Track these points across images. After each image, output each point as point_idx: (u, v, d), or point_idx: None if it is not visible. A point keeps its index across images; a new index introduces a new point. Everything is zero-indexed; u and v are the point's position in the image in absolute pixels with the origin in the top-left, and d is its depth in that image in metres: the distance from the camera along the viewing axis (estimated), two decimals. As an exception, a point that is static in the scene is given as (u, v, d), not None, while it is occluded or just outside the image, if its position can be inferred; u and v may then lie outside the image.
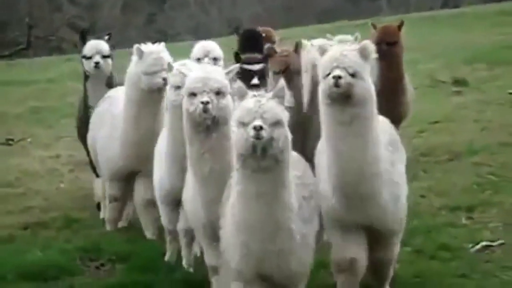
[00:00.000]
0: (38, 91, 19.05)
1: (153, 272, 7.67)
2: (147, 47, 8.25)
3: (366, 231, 6.43)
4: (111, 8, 41.19)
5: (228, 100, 6.15)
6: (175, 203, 7.28)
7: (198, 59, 9.13)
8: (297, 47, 8.31)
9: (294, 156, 5.82)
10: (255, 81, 7.52)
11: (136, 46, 8.25)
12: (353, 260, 6.44)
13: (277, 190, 5.49)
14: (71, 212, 9.94)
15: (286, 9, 41.94)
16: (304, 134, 7.63)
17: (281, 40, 10.82)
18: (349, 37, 9.26)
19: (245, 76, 7.55)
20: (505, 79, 15.77)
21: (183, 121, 6.30)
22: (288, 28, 25.55)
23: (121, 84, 9.38)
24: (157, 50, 8.21)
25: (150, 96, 8.18)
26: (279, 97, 5.55)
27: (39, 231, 9.37)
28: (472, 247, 7.93)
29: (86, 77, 9.61)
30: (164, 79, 7.64)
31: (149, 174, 7.91)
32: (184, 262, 7.76)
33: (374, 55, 6.22)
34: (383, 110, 6.43)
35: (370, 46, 6.22)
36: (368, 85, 6.09)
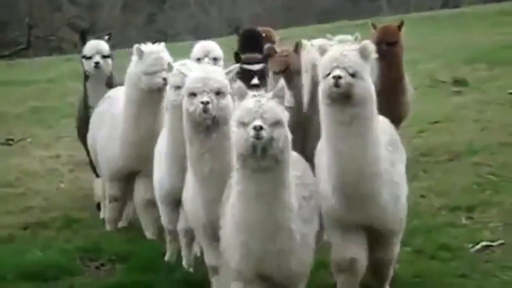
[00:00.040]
0: (38, 91, 19.05)
1: (153, 272, 7.67)
2: (147, 47, 8.25)
3: (366, 231, 6.43)
4: (111, 8, 41.19)
5: (228, 100, 6.14)
6: (175, 203, 7.28)
7: (198, 59, 9.13)
8: (297, 47, 8.31)
9: (294, 156, 5.82)
10: (255, 81, 7.52)
11: (136, 46, 8.25)
12: (353, 260, 6.44)
13: (277, 190, 5.48)
14: (71, 212, 9.94)
15: (286, 9, 41.95)
16: (304, 134, 7.63)
17: (281, 40, 10.82)
18: (349, 37, 9.26)
19: (245, 76, 7.54)
20: (505, 79, 15.77)
21: (183, 121, 6.30)
22: (288, 28, 25.55)
23: (121, 84, 9.38)
24: (157, 50, 8.20)
25: (150, 96, 8.17)
26: (279, 97, 5.55)
27: (39, 231, 9.37)
28: (472, 247, 7.93)
29: (86, 77, 9.61)
30: (164, 79, 7.64)
31: (149, 174, 7.90)
32: (184, 262, 7.76)
33: (374, 55, 6.22)
34: (383, 110, 6.43)
35: (370, 46, 6.22)
36: (368, 85, 6.08)
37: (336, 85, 5.93)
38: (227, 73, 6.39)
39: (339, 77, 5.93)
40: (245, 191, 5.51)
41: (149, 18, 42.95)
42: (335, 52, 6.11)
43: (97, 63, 9.40)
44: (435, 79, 16.40)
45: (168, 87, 7.05)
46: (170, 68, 7.06)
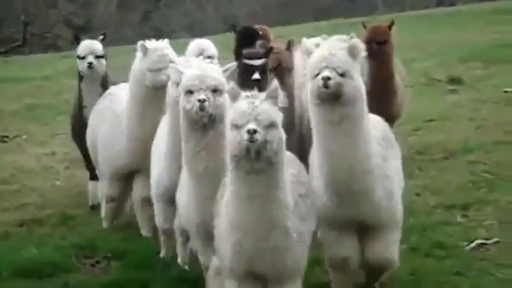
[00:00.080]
0: (34, 88, 19.02)
1: (148, 269, 7.67)
2: (151, 43, 8.19)
3: (362, 229, 6.41)
4: (106, 5, 41.18)
5: (225, 98, 6.08)
6: (172, 200, 7.23)
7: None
8: (289, 45, 8.31)
9: (288, 156, 5.80)
10: (256, 76, 7.51)
11: (140, 42, 8.18)
12: (346, 258, 6.45)
13: (271, 191, 5.46)
14: (67, 209, 9.93)
15: (283, 6, 41.95)
16: (300, 134, 7.63)
17: (275, 38, 10.82)
18: (344, 37, 9.26)
19: (246, 71, 7.55)
20: (500, 78, 15.79)
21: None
22: (284, 25, 25.55)
23: (116, 83, 9.38)
24: (161, 47, 8.15)
25: (155, 93, 8.05)
26: (273, 97, 5.50)
27: (34, 228, 9.36)
28: (467, 245, 7.94)
29: (81, 77, 9.59)
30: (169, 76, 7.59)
31: (148, 172, 7.85)
32: (179, 260, 7.76)
33: (363, 53, 6.21)
34: (374, 110, 6.42)
35: (359, 44, 6.21)
36: (357, 84, 6.06)
37: (325, 86, 5.91)
38: (224, 71, 6.36)
39: (328, 78, 5.90)
40: (238, 192, 5.49)
41: (144, 16, 42.93)
42: (324, 51, 6.08)
43: (90, 64, 9.37)
44: (431, 78, 16.42)
45: (169, 84, 6.99)
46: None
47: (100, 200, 9.66)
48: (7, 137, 14.27)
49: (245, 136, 5.29)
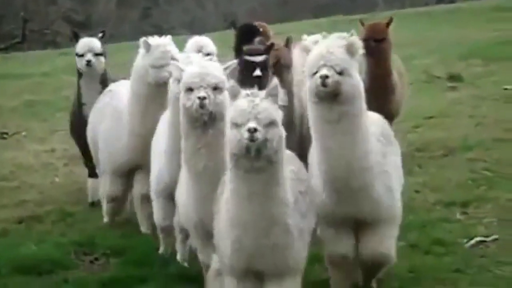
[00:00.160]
0: (33, 84, 19.02)
1: (147, 266, 7.66)
2: (154, 40, 8.16)
3: (358, 224, 6.39)
4: (106, 2, 41.17)
5: (225, 96, 6.03)
6: (172, 196, 7.19)
7: (191, 56, 9.08)
8: (288, 42, 8.30)
9: (288, 153, 5.78)
10: (257, 72, 7.49)
11: (143, 39, 8.15)
12: (345, 255, 6.44)
13: (271, 189, 5.44)
14: (66, 206, 9.93)
15: (282, 3, 41.94)
16: (301, 133, 7.62)
17: (274, 35, 10.80)
18: (345, 34, 9.25)
19: (247, 67, 7.53)
20: (500, 75, 15.78)
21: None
22: (283, 22, 25.54)
23: (115, 80, 9.36)
24: (164, 43, 8.12)
25: (157, 90, 7.98)
26: (273, 96, 5.47)
27: (34, 225, 9.36)
28: (467, 242, 7.94)
29: (80, 74, 9.59)
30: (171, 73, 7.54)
31: (148, 169, 7.80)
32: (178, 257, 7.75)
33: (361, 51, 6.19)
34: (372, 108, 6.41)
35: (357, 42, 6.19)
36: (356, 82, 6.04)
37: (324, 84, 5.90)
38: (225, 69, 6.32)
39: (326, 76, 5.89)
40: (238, 190, 5.47)
41: (144, 12, 42.90)
42: (322, 49, 6.06)
43: (89, 61, 9.37)
44: (430, 75, 16.41)
45: (171, 80, 6.96)
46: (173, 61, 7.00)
47: (99, 197, 9.66)
48: (6, 133, 14.28)
49: (246, 134, 5.26)
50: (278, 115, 5.44)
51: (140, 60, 8.21)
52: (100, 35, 9.72)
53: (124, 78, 9.25)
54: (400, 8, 31.61)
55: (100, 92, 9.35)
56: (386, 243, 6.42)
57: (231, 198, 5.54)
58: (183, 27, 35.78)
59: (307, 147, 6.64)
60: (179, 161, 6.60)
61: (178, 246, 7.73)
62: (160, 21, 40.93)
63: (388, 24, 9.70)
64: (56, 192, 10.67)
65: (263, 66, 7.59)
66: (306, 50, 6.32)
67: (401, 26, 21.59)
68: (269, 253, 5.56)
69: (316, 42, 8.67)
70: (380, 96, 8.98)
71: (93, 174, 9.81)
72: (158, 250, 8.00)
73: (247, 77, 7.40)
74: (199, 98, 5.98)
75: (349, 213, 6.29)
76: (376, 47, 9.38)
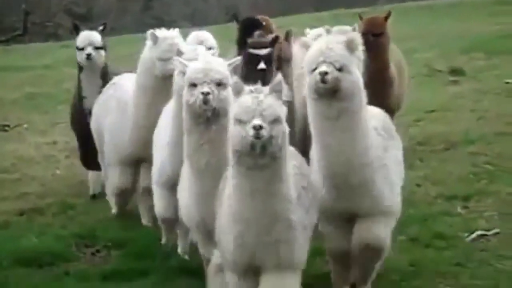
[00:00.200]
0: (34, 77, 19.01)
1: (149, 258, 7.67)
2: (161, 32, 8.12)
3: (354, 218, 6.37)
4: (107, -6, 41.08)
5: (229, 92, 5.98)
6: (174, 188, 7.14)
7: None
8: (288, 36, 8.28)
9: (290, 149, 5.76)
10: (262, 65, 7.47)
11: (150, 31, 8.12)
12: (345, 250, 6.42)
13: (274, 186, 5.41)
14: (67, 198, 9.93)
15: (283, -4, 41.84)
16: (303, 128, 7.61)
17: (276, 28, 10.79)
18: (347, 27, 9.25)
19: (251, 61, 7.50)
20: (502, 69, 15.77)
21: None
22: (285, 16, 25.51)
23: (118, 73, 9.34)
24: (171, 36, 8.08)
25: (164, 83, 7.90)
26: (277, 91, 5.42)
27: (35, 217, 9.37)
28: (468, 236, 7.95)
29: (80, 68, 9.58)
30: None
31: (151, 162, 7.75)
32: (179, 250, 7.76)
33: (361, 47, 6.17)
34: (370, 102, 6.39)
35: (357, 38, 6.17)
36: (355, 78, 6.02)
37: (323, 81, 5.88)
38: (229, 65, 6.24)
39: (326, 73, 5.86)
40: (240, 186, 5.44)
41: (145, 5, 42.80)
42: (321, 45, 6.02)
43: (89, 55, 9.36)
44: (432, 68, 16.39)
45: (176, 72, 6.90)
46: (179, 53, 6.96)
47: (101, 189, 9.68)
48: (8, 126, 14.28)
49: (251, 132, 5.22)
50: (283, 111, 5.40)
51: (147, 52, 8.18)
52: (101, 28, 9.70)
53: (127, 71, 9.26)
54: (401, 1, 31.49)
55: (101, 86, 9.35)
56: (381, 229, 6.33)
57: (233, 194, 5.50)
58: (185, 20, 35.71)
59: (309, 142, 6.61)
60: (182, 153, 6.52)
61: (179, 239, 7.73)
62: (162, 13, 40.86)
63: (386, 18, 9.70)
64: (57, 185, 10.68)
65: (267, 59, 7.55)
66: (306, 46, 6.29)
67: (403, 20, 21.59)
68: (271, 249, 5.52)
69: (318, 36, 8.69)
70: (378, 90, 8.94)
71: (88, 167, 9.86)
72: (159, 243, 7.99)
73: (251, 70, 7.38)
74: (202, 93, 5.91)
75: (348, 209, 6.27)
76: (374, 41, 9.37)
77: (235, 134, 5.33)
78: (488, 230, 8.02)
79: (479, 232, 7.97)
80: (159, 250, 7.86)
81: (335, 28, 9.17)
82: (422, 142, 11.29)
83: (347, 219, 6.36)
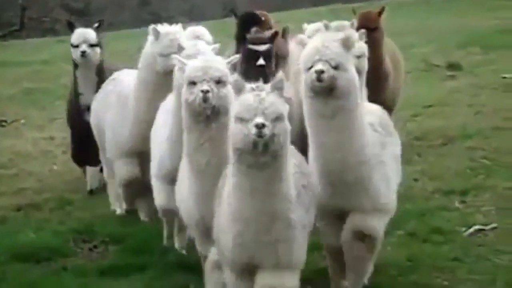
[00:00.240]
0: (32, 72, 19.00)
1: (146, 254, 7.67)
2: (163, 28, 8.07)
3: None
4: (105, -11, 41.01)
5: (228, 90, 5.93)
6: (175, 181, 7.06)
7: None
8: (284, 32, 8.26)
9: (290, 148, 5.73)
10: (261, 61, 7.44)
11: (152, 26, 8.07)
12: (341, 246, 6.41)
13: (274, 186, 5.37)
14: (64, 193, 9.94)
15: (281, -9, 41.78)
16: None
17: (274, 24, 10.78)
18: (346, 22, 9.24)
19: (250, 56, 7.47)
20: (499, 63, 15.79)
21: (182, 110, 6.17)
22: (282, 10, 25.50)
23: (113, 69, 9.32)
24: (173, 31, 8.02)
25: (165, 78, 7.77)
26: (278, 89, 5.38)
27: (32, 213, 9.37)
28: (465, 230, 7.95)
29: (75, 65, 9.57)
30: None
31: (149, 158, 7.70)
32: (176, 245, 7.76)
33: (362, 43, 6.14)
34: (367, 98, 6.39)
35: (353, 35, 6.15)
36: (351, 76, 6.00)
37: (319, 79, 5.86)
38: (228, 63, 6.19)
39: (322, 71, 5.84)
40: (240, 185, 5.40)
41: (142, 0, 42.78)
42: (317, 43, 5.99)
43: (83, 52, 9.35)
44: (429, 63, 16.41)
45: (176, 68, 6.81)
46: (180, 49, 6.94)
47: (97, 185, 9.67)
48: (5, 121, 14.28)
49: (253, 130, 5.17)
50: (285, 109, 5.35)
51: (149, 47, 8.13)
52: (96, 25, 9.69)
53: (125, 67, 9.24)
54: (399, -4, 31.50)
55: (97, 82, 9.35)
56: (375, 220, 6.29)
57: (233, 192, 5.46)
58: (182, 15, 35.65)
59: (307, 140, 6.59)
60: (181, 149, 6.45)
61: (177, 234, 7.72)
62: (159, 9, 40.79)
63: (380, 13, 9.70)
64: (54, 180, 10.68)
65: (266, 55, 7.53)
66: (302, 44, 6.27)
67: (400, 15, 21.59)
68: (270, 249, 5.49)
69: (316, 31, 8.69)
70: (373, 84, 8.95)
71: (79, 163, 9.96)
72: (157, 238, 7.96)
73: (250, 66, 7.36)
74: (202, 91, 5.86)
75: (344, 206, 6.25)
76: (368, 36, 9.37)
77: (237, 132, 5.28)
78: (485, 225, 8.02)
79: (476, 227, 7.98)
80: (156, 246, 7.86)
81: (334, 24, 9.17)
82: (419, 137, 11.30)
83: (342, 216, 6.35)
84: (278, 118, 5.26)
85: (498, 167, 9.73)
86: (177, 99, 6.73)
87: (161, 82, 7.96)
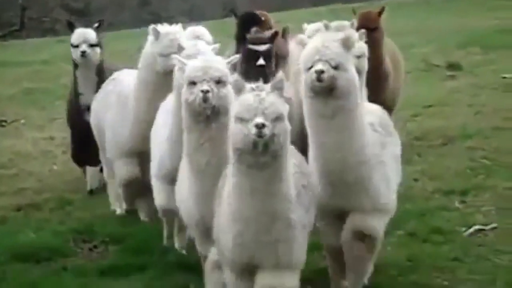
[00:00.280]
0: (32, 72, 19.00)
1: (146, 254, 7.67)
2: (163, 28, 8.05)
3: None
4: (105, -11, 40.99)
5: (228, 90, 5.92)
6: (174, 180, 7.04)
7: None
8: (284, 32, 8.24)
9: (290, 148, 5.72)
10: (261, 61, 7.43)
11: (152, 26, 8.05)
12: (340, 246, 6.41)
13: (274, 186, 5.35)
14: (64, 193, 9.94)
15: (281, -9, 41.76)
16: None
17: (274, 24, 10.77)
18: (346, 22, 9.24)
19: (250, 56, 7.46)
20: (499, 63, 15.79)
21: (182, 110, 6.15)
22: (282, 10, 25.50)
23: (113, 69, 9.31)
24: (173, 31, 8.01)
25: (165, 78, 7.74)
26: (278, 89, 5.37)
27: (32, 213, 9.37)
28: (465, 230, 7.94)
29: (75, 65, 9.57)
30: None
31: (149, 158, 7.71)
32: (176, 245, 7.75)
33: (362, 43, 6.13)
34: (368, 98, 6.38)
35: (353, 35, 6.15)
36: (351, 76, 6.00)
37: (319, 79, 5.85)
38: (228, 63, 6.17)
39: (322, 71, 5.84)
40: (240, 185, 5.39)
41: (142, 0, 42.77)
42: (317, 43, 5.99)
43: (83, 52, 9.35)
44: (429, 63, 16.41)
45: (176, 68, 6.79)
46: (180, 49, 6.93)
47: (97, 185, 9.66)
48: (5, 121, 14.28)
49: (253, 130, 5.16)
50: (285, 109, 5.34)
51: (149, 47, 8.11)
52: (96, 25, 9.68)
53: (125, 67, 9.23)
54: (399, -4, 31.49)
55: (97, 83, 9.35)
56: (375, 220, 6.28)
57: (233, 192, 5.45)
58: (182, 15, 35.63)
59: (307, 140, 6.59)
60: (181, 149, 6.42)
61: (176, 234, 7.72)
62: (159, 9, 40.77)
63: (380, 13, 9.70)
64: (54, 180, 10.68)
65: (266, 55, 7.51)
66: (302, 44, 6.27)
67: (400, 15, 21.58)
68: (270, 249, 5.48)
69: (316, 31, 8.68)
70: (373, 84, 8.96)
71: (79, 163, 9.94)
72: (157, 238, 7.96)
73: (250, 66, 7.35)
74: (202, 91, 5.84)
75: (344, 206, 6.25)
76: (368, 36, 9.37)
77: (237, 132, 5.27)
78: (485, 225, 8.02)
79: (476, 227, 7.97)
80: (156, 246, 7.86)
81: (334, 24, 9.17)
82: (419, 137, 11.30)
83: (342, 216, 6.34)
84: (278, 118, 5.25)
85: (498, 167, 9.73)
86: (177, 99, 6.71)
87: (161, 82, 7.93)
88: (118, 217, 8.96)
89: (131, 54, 8.55)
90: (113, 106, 8.66)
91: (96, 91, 9.19)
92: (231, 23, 9.61)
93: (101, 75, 9.44)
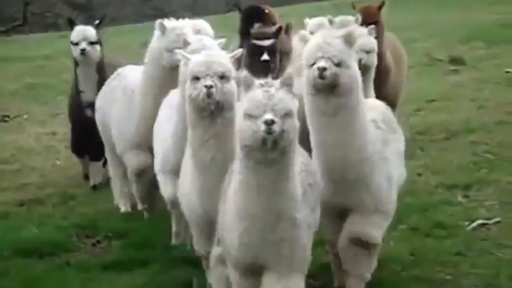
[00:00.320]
0: (34, 67, 19.01)
1: (149, 249, 7.67)
2: (170, 22, 8.02)
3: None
4: (107, -16, 40.96)
5: (232, 85, 5.89)
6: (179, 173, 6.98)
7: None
8: (288, 28, 8.22)
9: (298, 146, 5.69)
10: (265, 56, 7.41)
11: (158, 21, 8.02)
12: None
13: (280, 184, 5.31)
14: (67, 189, 9.95)
15: (283, -14, 41.72)
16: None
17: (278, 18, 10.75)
18: (350, 17, 9.22)
19: (255, 51, 7.44)
20: (502, 58, 15.77)
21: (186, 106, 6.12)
22: (285, 5, 25.46)
23: (117, 65, 9.29)
24: (180, 26, 7.97)
25: (171, 73, 7.70)
26: (288, 85, 5.31)
27: (35, 208, 9.38)
28: (468, 225, 7.94)
29: (76, 62, 9.57)
30: None
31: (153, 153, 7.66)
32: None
33: (371, 37, 6.11)
34: None
35: (355, 32, 6.12)
36: (354, 73, 5.98)
37: (321, 76, 5.84)
38: (231, 57, 6.13)
39: (324, 68, 5.82)
40: (246, 182, 5.34)
41: (145, -5, 42.72)
42: (319, 40, 5.97)
43: (83, 50, 9.34)
44: (432, 58, 16.40)
45: (181, 63, 6.76)
46: (186, 44, 6.90)
47: (101, 180, 9.66)
48: (7, 116, 14.30)
49: (263, 127, 5.10)
50: (294, 105, 5.29)
51: (155, 42, 8.09)
52: (97, 22, 9.67)
53: (129, 63, 9.21)
54: (402, -10, 31.44)
55: (97, 80, 9.37)
56: (375, 225, 6.27)
57: (239, 189, 5.41)
58: (185, 10, 35.55)
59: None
60: (185, 144, 6.37)
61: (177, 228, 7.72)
62: (162, 3, 40.66)
63: (380, 7, 9.68)
64: (57, 175, 10.70)
65: (271, 50, 7.49)
66: (304, 40, 6.25)
67: (402, 9, 21.54)
68: (275, 248, 5.44)
69: (318, 25, 8.66)
70: (374, 79, 8.97)
71: (79, 154, 10.07)
72: (160, 233, 7.95)
73: (254, 61, 7.33)
74: (205, 86, 5.79)
75: (345, 203, 6.24)
76: None
77: (245, 129, 5.21)
78: (488, 219, 8.02)
79: (479, 221, 7.97)
80: (159, 240, 7.86)
81: (338, 19, 9.14)
82: (422, 132, 11.30)
83: (343, 215, 6.33)
84: (287, 115, 5.19)
85: (501, 161, 9.73)
86: (182, 94, 6.70)
87: (168, 77, 7.89)
88: (121, 212, 8.95)
89: (134, 48, 8.53)
90: (118, 101, 8.63)
91: (97, 88, 9.19)
92: (235, 17, 9.59)
93: (101, 72, 9.45)
